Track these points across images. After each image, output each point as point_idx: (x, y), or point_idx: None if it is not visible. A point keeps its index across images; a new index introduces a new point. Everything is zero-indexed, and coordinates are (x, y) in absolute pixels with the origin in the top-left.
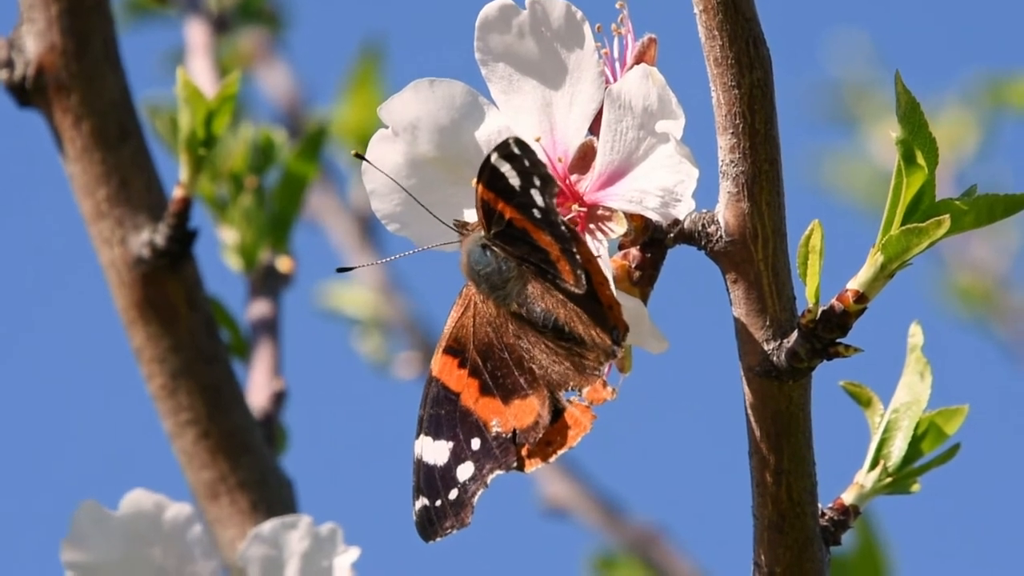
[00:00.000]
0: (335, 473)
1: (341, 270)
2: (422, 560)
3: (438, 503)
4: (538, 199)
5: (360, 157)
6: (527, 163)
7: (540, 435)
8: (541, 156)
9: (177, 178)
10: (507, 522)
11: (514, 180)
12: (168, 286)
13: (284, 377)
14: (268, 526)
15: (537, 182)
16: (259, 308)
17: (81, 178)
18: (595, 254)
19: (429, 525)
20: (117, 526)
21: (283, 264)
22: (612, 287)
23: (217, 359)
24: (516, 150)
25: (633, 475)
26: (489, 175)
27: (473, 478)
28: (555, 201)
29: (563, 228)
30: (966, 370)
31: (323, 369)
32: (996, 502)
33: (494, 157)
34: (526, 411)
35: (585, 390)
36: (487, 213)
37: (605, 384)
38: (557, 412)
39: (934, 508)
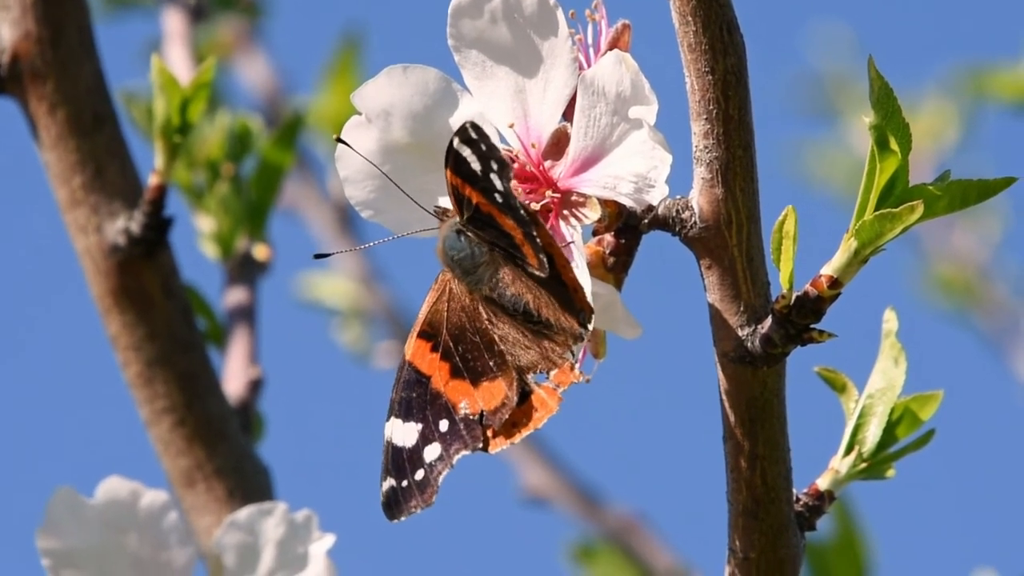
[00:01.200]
0: (312, 461)
1: (319, 256)
2: (399, 548)
3: (404, 483)
4: (498, 184)
5: (340, 140)
6: (484, 147)
7: (506, 416)
8: (512, 140)
9: (153, 166)
10: (486, 512)
11: (475, 164)
12: (144, 274)
13: (261, 365)
14: (244, 513)
15: (495, 166)
16: (236, 296)
17: (56, 166)
18: (566, 238)
19: (395, 505)
20: (93, 513)
21: (260, 252)
22: (577, 270)
23: (193, 347)
24: (473, 134)
25: (611, 463)
26: (454, 160)
27: (440, 459)
28: (512, 185)
29: (522, 212)
30: (947, 361)
31: (302, 358)
32: (980, 491)
33: (455, 142)
34: (494, 393)
35: (553, 373)
36: (457, 198)
37: (573, 367)
38: (525, 394)
39: (920, 497)
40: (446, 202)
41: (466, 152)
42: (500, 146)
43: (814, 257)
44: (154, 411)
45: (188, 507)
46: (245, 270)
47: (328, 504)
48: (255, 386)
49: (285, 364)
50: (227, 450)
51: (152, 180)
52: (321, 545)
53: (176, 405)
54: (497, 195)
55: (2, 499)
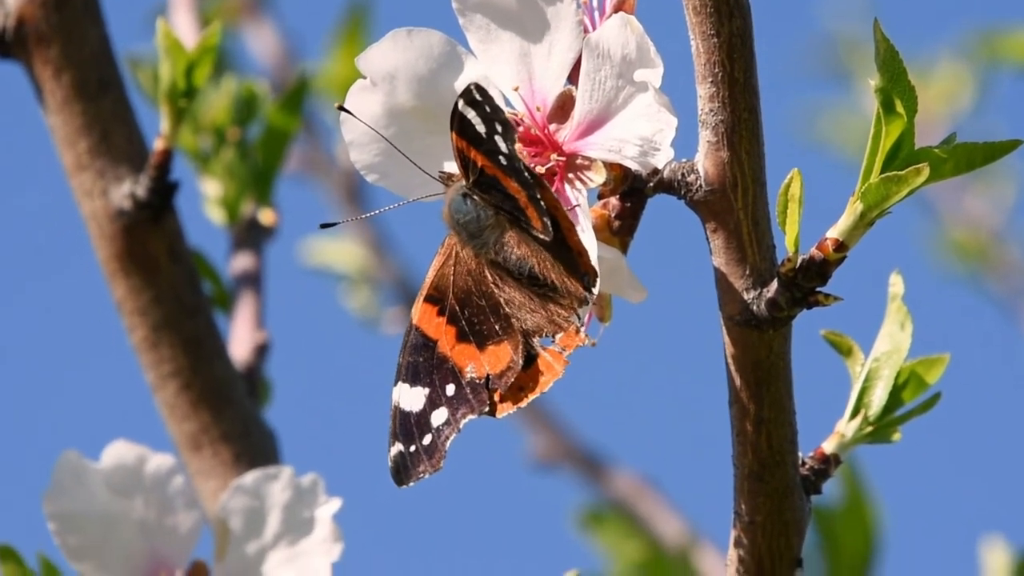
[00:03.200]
0: (319, 427)
1: (325, 225)
2: (406, 514)
3: (412, 448)
4: (502, 146)
5: (342, 109)
6: (488, 109)
7: (512, 380)
8: (517, 103)
9: (158, 131)
10: (493, 477)
11: (479, 127)
12: (150, 238)
13: (268, 330)
14: (250, 477)
15: (499, 128)
16: (242, 261)
17: (62, 130)
18: (572, 201)
19: (403, 470)
20: (99, 478)
21: (266, 217)
22: (583, 234)
23: (199, 311)
24: (477, 96)
25: (617, 428)
26: (459, 123)
27: (447, 423)
28: (516, 147)
29: (526, 174)
30: (960, 325)
31: (309, 324)
32: (991, 456)
33: (460, 104)
34: (500, 357)
35: (559, 336)
36: (463, 161)
37: (578, 331)
38: (530, 358)
39: (928, 462)
40: (451, 166)
41: (471, 114)
42: (505, 109)
43: (824, 221)
44: (160, 375)
45: (194, 471)
46: (251, 235)
47: (334, 469)
48: (261, 351)
49: (292, 329)
50: (233, 414)
51: (158, 145)
52: (327, 509)
53: (182, 369)
54: (502, 157)
55: (9, 464)
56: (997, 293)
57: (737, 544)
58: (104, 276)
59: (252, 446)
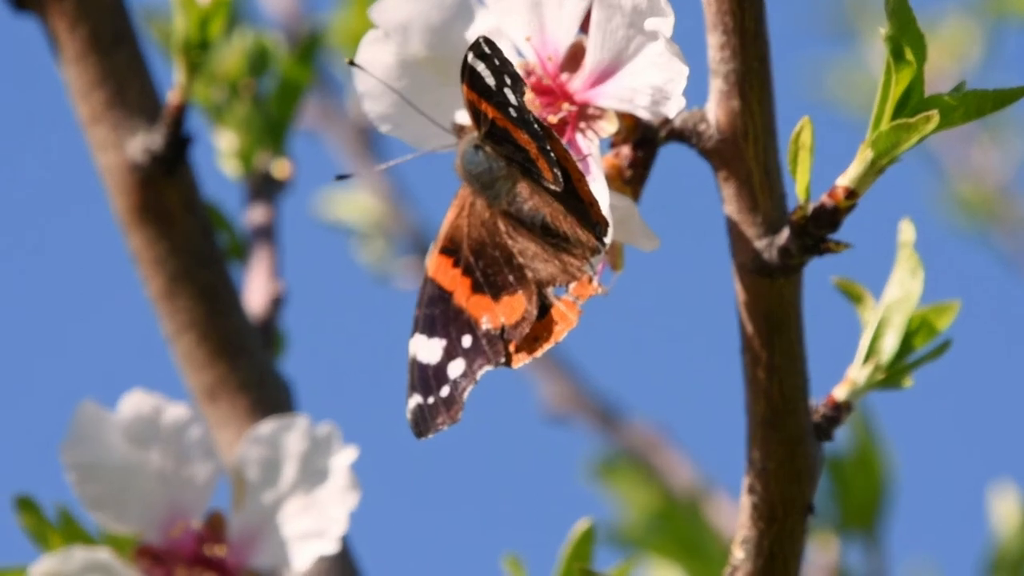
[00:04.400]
0: (334, 378)
1: (340, 177)
2: (420, 464)
3: (430, 400)
4: (511, 98)
5: (353, 64)
6: (497, 62)
7: (527, 331)
8: (530, 57)
9: (173, 84)
10: (506, 428)
11: (489, 79)
12: (165, 190)
13: (283, 282)
14: (266, 427)
15: (508, 80)
16: (257, 213)
17: (77, 82)
18: (584, 151)
19: (422, 422)
20: (116, 428)
21: (280, 169)
22: (595, 183)
23: (214, 262)
24: (486, 49)
25: (630, 377)
26: (469, 75)
27: (464, 375)
28: (526, 99)
29: (536, 126)
30: (966, 279)
31: (324, 276)
32: (997, 405)
33: (470, 56)
34: (514, 307)
35: (572, 286)
36: (474, 113)
37: (591, 280)
38: (544, 308)
39: (937, 409)
40: (463, 116)
41: (480, 67)
42: (515, 59)
43: (832, 175)
44: (176, 326)
45: (211, 422)
46: (265, 187)
47: (349, 420)
48: (277, 302)
49: (307, 281)
50: (249, 365)
51: (172, 98)
52: (343, 458)
53: (198, 320)
54: (511, 109)
55: (26, 414)
56: (1003, 248)
57: (750, 491)
58: (120, 228)
59: (268, 397)
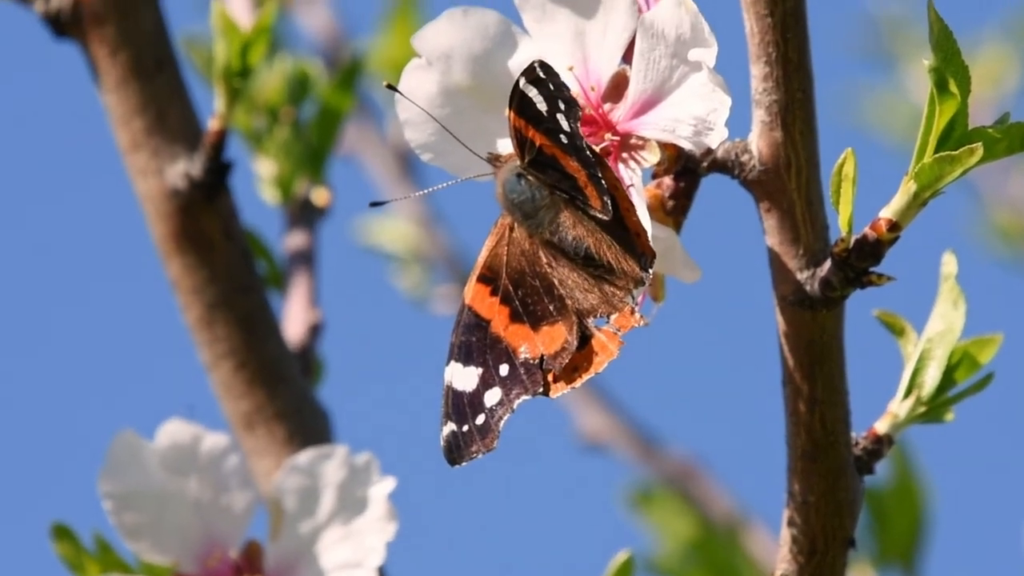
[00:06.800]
0: (372, 406)
1: (375, 204)
2: (458, 493)
3: (465, 428)
4: (564, 124)
5: (392, 88)
6: (552, 87)
7: (567, 361)
8: (571, 83)
9: (213, 111)
10: (544, 456)
11: (541, 105)
12: (204, 217)
13: (321, 309)
14: (304, 456)
15: (562, 106)
16: (295, 240)
17: (117, 109)
18: (626, 181)
19: (456, 450)
20: (154, 457)
21: (319, 196)
22: (639, 214)
23: (253, 290)
24: (541, 73)
25: (669, 407)
26: (518, 101)
27: (500, 403)
28: (579, 125)
29: (588, 153)
30: (1004, 308)
31: (362, 303)
32: None
33: (522, 82)
34: (554, 337)
35: (614, 317)
36: (519, 141)
37: (634, 311)
38: (585, 338)
39: (972, 441)
40: (504, 145)
41: (532, 92)
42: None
43: (873, 203)
44: (214, 354)
45: (248, 450)
46: (305, 214)
47: (387, 448)
48: (315, 330)
49: (345, 308)
50: (287, 393)
51: (212, 124)
52: (382, 488)
53: (236, 348)
54: (563, 135)
55: (64, 443)
56: None
57: (790, 524)
58: (159, 255)
59: (306, 425)
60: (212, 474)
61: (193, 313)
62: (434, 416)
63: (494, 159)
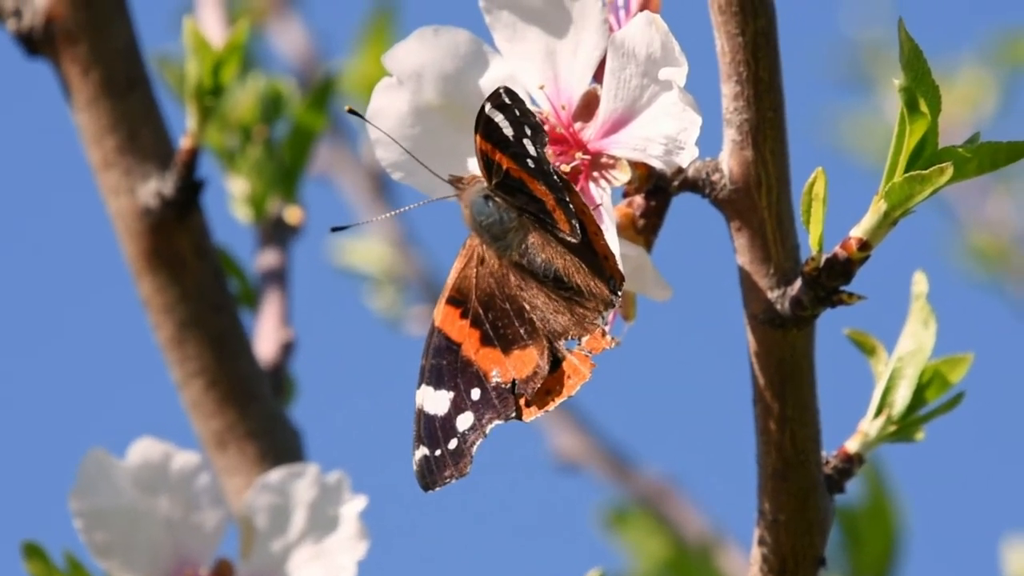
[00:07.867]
0: (344, 425)
1: (336, 229)
2: (431, 512)
3: (438, 453)
4: (531, 149)
5: (354, 113)
6: (517, 112)
7: (539, 385)
8: (542, 101)
9: (185, 129)
10: (519, 476)
11: (507, 130)
12: (176, 236)
13: (293, 328)
14: (275, 475)
15: (528, 131)
16: (268, 259)
17: (89, 128)
18: (596, 200)
19: (429, 475)
20: (125, 475)
21: (292, 215)
22: (607, 237)
23: (225, 308)
24: (507, 99)
25: (642, 427)
26: (484, 125)
27: (472, 428)
28: (546, 150)
29: (555, 178)
30: (979, 329)
31: (334, 322)
32: (1011, 457)
33: (487, 107)
34: (526, 361)
35: (585, 339)
36: (486, 163)
37: (604, 333)
38: (556, 362)
39: (944, 460)
40: (472, 164)
41: (498, 117)
42: (533, 109)
43: (845, 224)
44: (186, 372)
45: (219, 469)
46: (277, 233)
47: (359, 467)
48: (287, 349)
49: (317, 328)
50: (258, 412)
51: (184, 143)
52: (353, 507)
53: (208, 367)
54: (529, 160)
55: (34, 461)
56: (1017, 297)
57: (761, 543)
58: (131, 273)
59: (277, 444)
60: (183, 492)
61: (165, 332)
62: (406, 436)
63: (455, 181)
